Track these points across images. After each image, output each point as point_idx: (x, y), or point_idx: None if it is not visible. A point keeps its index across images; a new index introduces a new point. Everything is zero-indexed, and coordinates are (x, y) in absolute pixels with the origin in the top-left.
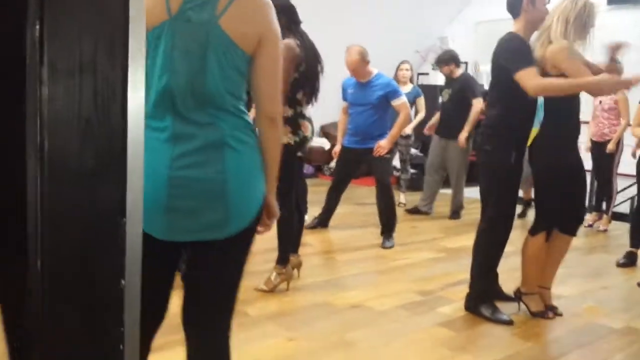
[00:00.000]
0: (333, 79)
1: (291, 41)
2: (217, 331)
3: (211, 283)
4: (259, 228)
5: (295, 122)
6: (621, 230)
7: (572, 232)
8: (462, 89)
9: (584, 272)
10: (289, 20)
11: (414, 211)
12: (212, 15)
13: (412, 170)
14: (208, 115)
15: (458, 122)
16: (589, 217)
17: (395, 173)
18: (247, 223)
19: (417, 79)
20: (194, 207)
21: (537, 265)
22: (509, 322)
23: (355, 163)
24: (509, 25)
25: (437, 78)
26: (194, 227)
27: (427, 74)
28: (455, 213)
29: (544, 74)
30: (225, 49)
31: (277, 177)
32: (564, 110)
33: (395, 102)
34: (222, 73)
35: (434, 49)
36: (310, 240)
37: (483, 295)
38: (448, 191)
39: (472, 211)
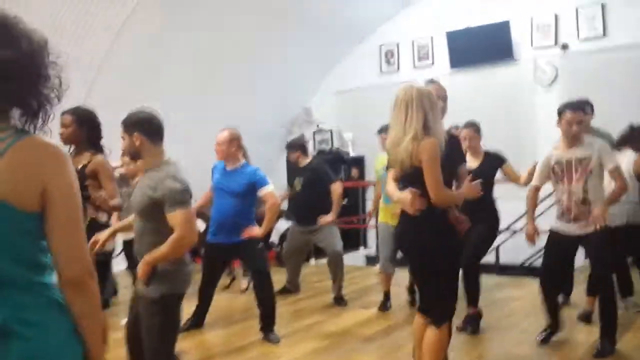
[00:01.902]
0: (201, 159)
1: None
2: None
3: None
4: None
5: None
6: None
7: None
8: (314, 177)
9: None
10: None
11: (283, 291)
12: None
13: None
14: None
15: (317, 208)
16: None
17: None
18: None
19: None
20: None
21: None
22: None
23: (224, 259)
24: (365, 93)
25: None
26: None
27: None
28: (341, 299)
29: (412, 167)
30: None
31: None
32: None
33: (261, 191)
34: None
35: (298, 121)
36: (184, 346)
37: None
38: (321, 262)
39: (352, 281)
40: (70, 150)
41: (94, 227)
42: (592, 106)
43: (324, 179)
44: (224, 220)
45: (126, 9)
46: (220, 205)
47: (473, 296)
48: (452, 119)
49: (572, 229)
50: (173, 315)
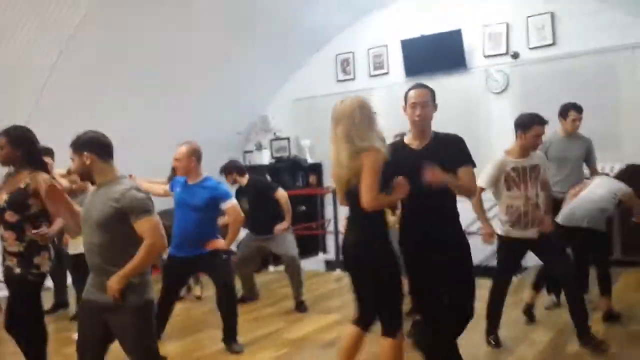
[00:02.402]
0: (154, 168)
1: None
2: None
3: None
4: None
5: (19, 226)
6: None
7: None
8: (257, 193)
9: None
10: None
11: (242, 300)
12: None
13: None
14: None
15: (270, 219)
16: None
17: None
18: None
19: (244, 158)
20: None
21: None
22: None
23: (187, 272)
24: (323, 101)
25: (263, 157)
26: None
27: (251, 151)
28: (302, 304)
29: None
30: None
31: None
32: None
33: (224, 206)
34: None
35: (255, 128)
36: None
37: None
38: (281, 268)
39: (311, 287)
40: (11, 170)
41: (33, 247)
42: (581, 108)
43: (266, 192)
44: (186, 234)
45: (79, 13)
46: (183, 219)
47: None
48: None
49: (528, 233)
50: (152, 318)
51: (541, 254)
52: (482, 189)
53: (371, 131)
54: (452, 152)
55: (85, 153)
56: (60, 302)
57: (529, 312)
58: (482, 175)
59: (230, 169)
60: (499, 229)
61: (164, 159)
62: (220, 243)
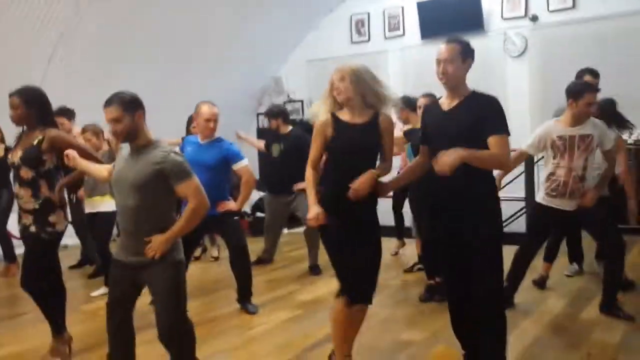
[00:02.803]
0: (168, 130)
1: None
2: None
3: None
4: None
5: (34, 183)
6: None
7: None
8: (295, 146)
9: (431, 309)
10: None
11: (258, 262)
12: None
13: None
14: None
15: (294, 176)
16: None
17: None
18: None
19: (258, 120)
20: None
21: (339, 330)
22: None
23: (200, 233)
24: (337, 62)
25: None
26: None
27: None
28: (316, 267)
29: None
30: None
31: None
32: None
33: (236, 166)
34: None
35: (268, 91)
36: None
37: None
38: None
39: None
40: (24, 129)
41: (48, 205)
42: (597, 72)
43: (305, 149)
44: None
45: None
46: None
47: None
48: (423, 89)
49: (567, 204)
50: (184, 277)
51: (585, 227)
52: (526, 155)
53: (324, 103)
54: (483, 116)
55: (138, 112)
56: (87, 258)
57: (541, 283)
58: (528, 140)
59: (277, 114)
60: (538, 196)
61: (176, 122)
62: (231, 204)
